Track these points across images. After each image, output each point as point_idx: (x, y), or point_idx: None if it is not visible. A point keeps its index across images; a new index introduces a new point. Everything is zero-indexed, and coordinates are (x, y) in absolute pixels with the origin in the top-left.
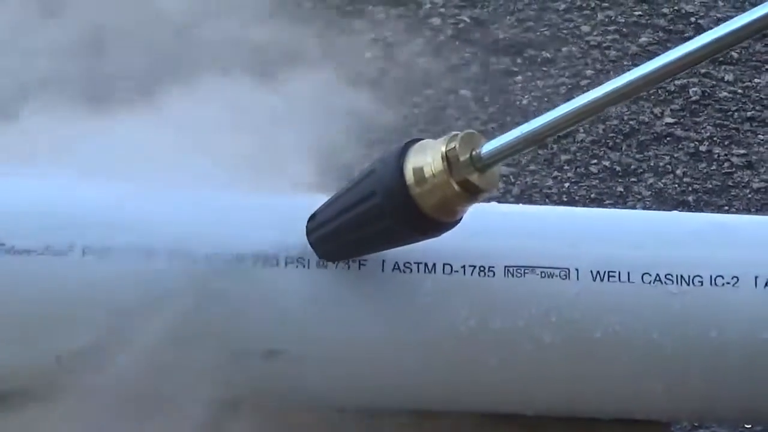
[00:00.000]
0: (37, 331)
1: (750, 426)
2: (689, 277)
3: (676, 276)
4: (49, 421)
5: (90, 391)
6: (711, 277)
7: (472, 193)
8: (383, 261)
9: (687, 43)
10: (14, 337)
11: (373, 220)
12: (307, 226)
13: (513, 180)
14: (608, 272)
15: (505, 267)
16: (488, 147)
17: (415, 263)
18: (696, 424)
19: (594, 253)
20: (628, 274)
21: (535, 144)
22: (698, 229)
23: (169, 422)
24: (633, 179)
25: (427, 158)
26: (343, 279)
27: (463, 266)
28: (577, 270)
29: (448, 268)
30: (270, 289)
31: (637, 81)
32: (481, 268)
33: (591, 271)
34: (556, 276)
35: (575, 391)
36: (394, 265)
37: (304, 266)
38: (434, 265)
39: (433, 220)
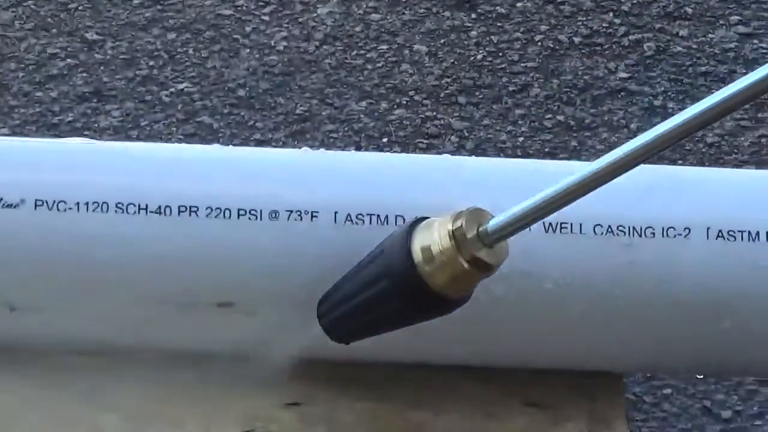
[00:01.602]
0: None
1: (702, 377)
2: (641, 228)
3: (628, 228)
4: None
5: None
6: (663, 229)
7: (482, 270)
8: (335, 213)
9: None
10: None
11: (384, 302)
12: (318, 310)
13: (467, 134)
14: (560, 224)
15: None
16: (495, 222)
17: (367, 215)
18: (648, 375)
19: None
20: (580, 225)
21: (543, 217)
22: (651, 181)
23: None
24: (587, 134)
25: (434, 237)
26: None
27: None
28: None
29: (400, 219)
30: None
31: (634, 152)
32: None
33: (543, 223)
34: None
35: (528, 343)
36: (346, 217)
37: (256, 218)
38: (387, 216)
39: (444, 298)
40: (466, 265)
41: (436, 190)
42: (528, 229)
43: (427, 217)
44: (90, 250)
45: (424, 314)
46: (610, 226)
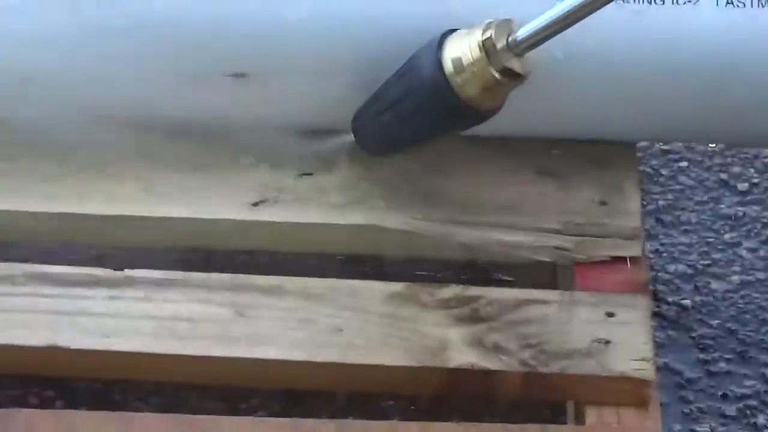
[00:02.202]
0: None
1: (714, 145)
2: None
3: None
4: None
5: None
6: None
7: (512, 79)
8: None
9: None
10: None
11: (416, 115)
12: (352, 125)
13: None
14: None
15: None
16: (524, 31)
17: None
18: (665, 148)
19: None
20: None
21: (572, 24)
22: None
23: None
24: None
25: (464, 48)
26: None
27: None
28: None
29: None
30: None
31: None
32: None
33: None
34: None
35: (540, 112)
36: None
37: None
38: None
39: (475, 107)
40: (496, 74)
41: None
42: None
43: (457, 29)
44: (107, 19)
45: (456, 125)
46: None
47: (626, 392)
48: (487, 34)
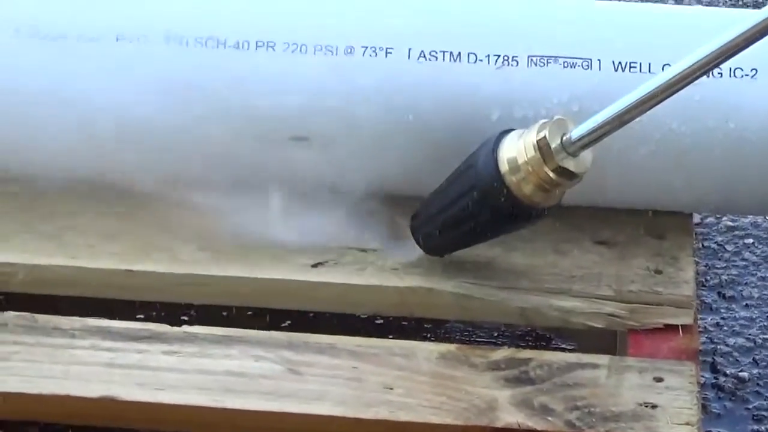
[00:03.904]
0: None
1: None
2: None
3: None
4: None
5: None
6: (730, 69)
7: (567, 178)
8: (409, 49)
9: None
10: None
11: (473, 214)
12: (411, 225)
13: None
14: (629, 63)
15: (528, 57)
16: (578, 131)
17: (440, 51)
18: (729, 222)
19: (616, 43)
20: (649, 65)
21: (625, 123)
22: (719, 22)
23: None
24: None
25: (519, 147)
26: (369, 67)
27: (487, 55)
28: (599, 60)
29: (472, 57)
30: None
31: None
32: (505, 58)
33: (613, 62)
34: (579, 66)
35: (598, 182)
36: (420, 53)
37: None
38: (459, 53)
39: (530, 206)
40: (551, 174)
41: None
42: (598, 68)
43: (513, 129)
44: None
45: (512, 224)
46: None
47: None
48: (542, 134)
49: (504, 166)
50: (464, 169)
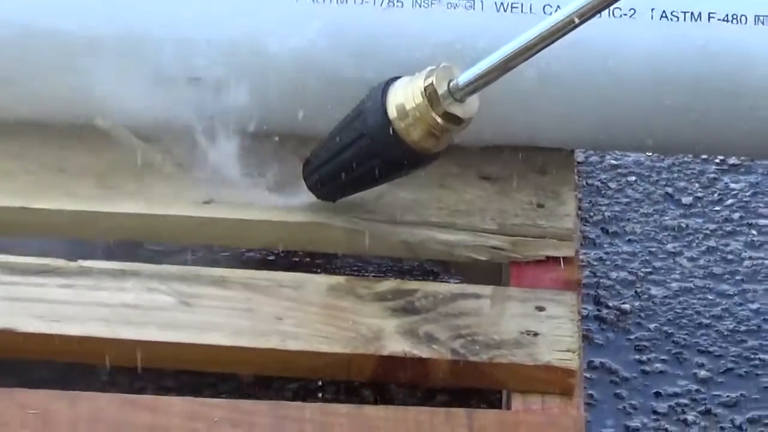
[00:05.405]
0: None
1: (650, 153)
2: None
3: None
4: None
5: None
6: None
7: (454, 123)
8: None
9: None
10: None
11: (363, 160)
12: (303, 170)
13: None
14: (511, 4)
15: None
16: (464, 77)
17: None
18: (612, 161)
19: None
20: (530, 6)
21: (510, 69)
22: None
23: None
24: None
25: (407, 94)
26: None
27: None
28: (481, 2)
29: None
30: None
31: None
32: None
33: (495, 3)
34: (461, 7)
35: (482, 120)
36: None
37: None
38: None
39: (418, 152)
40: (438, 119)
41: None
42: (480, 8)
43: (400, 77)
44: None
45: (402, 169)
46: (558, 6)
47: (551, 381)
48: (429, 80)
49: (393, 113)
50: (354, 116)
